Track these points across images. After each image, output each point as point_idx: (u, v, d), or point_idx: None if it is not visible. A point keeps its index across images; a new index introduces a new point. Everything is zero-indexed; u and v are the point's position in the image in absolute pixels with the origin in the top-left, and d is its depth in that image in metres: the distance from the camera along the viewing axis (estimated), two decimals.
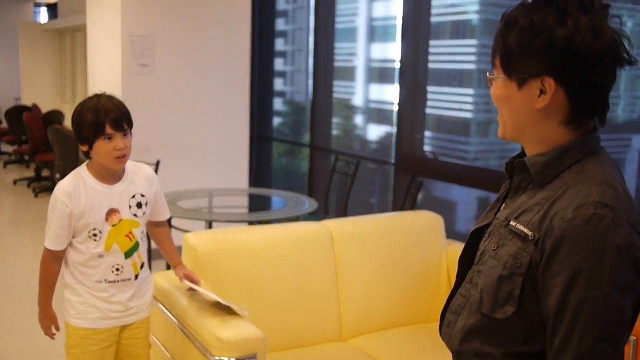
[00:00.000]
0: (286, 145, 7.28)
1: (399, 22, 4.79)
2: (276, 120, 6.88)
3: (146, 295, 2.50)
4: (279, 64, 6.99)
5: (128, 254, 2.37)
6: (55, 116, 8.77)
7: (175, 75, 5.51)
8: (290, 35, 7.61)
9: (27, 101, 10.63)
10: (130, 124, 2.31)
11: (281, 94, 7.38)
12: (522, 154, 1.29)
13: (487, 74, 1.29)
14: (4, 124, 11.11)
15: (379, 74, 6.38)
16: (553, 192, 1.18)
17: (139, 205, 2.38)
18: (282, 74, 7.43)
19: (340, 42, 6.01)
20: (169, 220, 2.83)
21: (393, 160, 4.88)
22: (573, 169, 1.19)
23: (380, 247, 3.16)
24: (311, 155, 5.86)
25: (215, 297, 2.51)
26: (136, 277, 2.41)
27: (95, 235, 2.31)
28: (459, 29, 5.20)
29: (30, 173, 9.36)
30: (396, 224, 3.34)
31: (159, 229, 2.61)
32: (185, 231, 3.27)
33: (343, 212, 4.78)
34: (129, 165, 2.39)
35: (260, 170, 6.42)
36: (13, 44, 12.16)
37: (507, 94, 1.23)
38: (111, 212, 2.32)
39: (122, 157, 2.27)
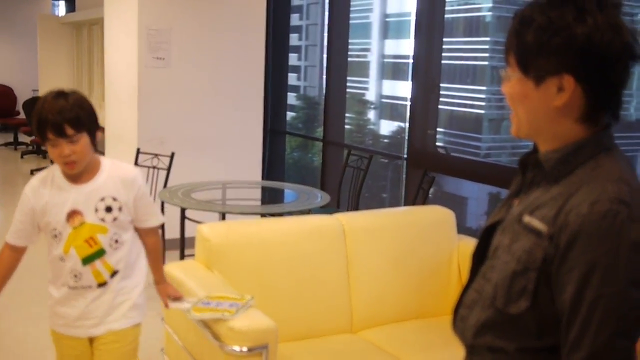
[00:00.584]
0: (299, 139, 7.33)
1: (412, 19, 4.82)
2: (289, 115, 6.92)
3: (121, 306, 2.30)
4: (293, 59, 7.03)
5: (86, 261, 2.20)
6: None
7: (191, 69, 5.56)
8: (305, 31, 7.64)
9: (44, 93, 10.72)
10: (80, 127, 2.07)
11: (295, 89, 7.42)
12: (535, 150, 1.29)
13: (501, 72, 1.28)
14: (22, 115, 11.24)
15: (392, 70, 6.41)
16: (567, 187, 1.18)
17: (108, 209, 2.19)
18: (296, 69, 7.46)
19: (354, 37, 6.03)
20: (164, 231, 2.70)
21: (405, 155, 4.91)
22: (588, 165, 1.19)
23: (392, 241, 3.19)
24: (324, 149, 5.90)
25: (203, 316, 2.45)
26: (100, 285, 2.23)
27: (56, 236, 2.20)
28: (472, 26, 5.21)
29: (46, 163, 9.47)
30: (408, 219, 3.38)
31: (145, 238, 2.39)
32: (199, 222, 3.32)
33: (355, 206, 4.82)
34: (107, 165, 2.23)
35: (273, 164, 6.47)
36: (31, 37, 12.28)
37: (524, 92, 1.23)
38: (73, 213, 2.17)
39: (71, 164, 2.11)
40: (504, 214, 1.33)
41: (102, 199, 2.19)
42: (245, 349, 2.34)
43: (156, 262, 2.48)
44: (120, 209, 2.21)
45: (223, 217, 4.20)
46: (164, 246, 4.67)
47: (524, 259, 1.20)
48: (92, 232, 2.19)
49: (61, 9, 14.27)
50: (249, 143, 5.86)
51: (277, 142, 6.56)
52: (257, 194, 5.02)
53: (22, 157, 10.45)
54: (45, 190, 2.18)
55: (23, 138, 11.22)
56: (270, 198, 4.93)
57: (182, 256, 4.39)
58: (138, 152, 4.99)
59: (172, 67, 5.47)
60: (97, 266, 2.21)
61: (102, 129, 2.20)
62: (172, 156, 4.81)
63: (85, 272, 2.21)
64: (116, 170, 2.24)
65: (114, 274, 2.25)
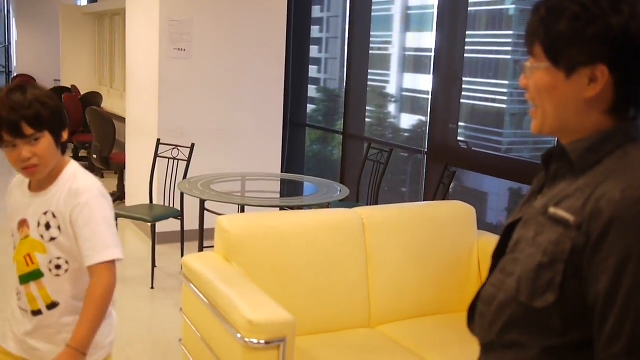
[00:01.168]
0: (318, 132, 7.31)
1: (435, 11, 4.78)
2: (309, 107, 6.91)
3: (57, 343, 1.92)
4: (313, 51, 7.00)
5: (23, 280, 1.93)
6: (93, 98, 8.91)
7: (211, 60, 5.56)
8: (325, 23, 7.62)
9: (66, 83, 10.81)
10: (40, 126, 1.80)
11: (315, 81, 7.40)
12: (559, 145, 1.26)
13: (525, 63, 1.24)
14: None
15: (414, 63, 6.36)
16: (595, 178, 1.15)
17: (47, 226, 1.87)
18: (316, 61, 7.44)
19: (376, 30, 6.00)
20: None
21: (426, 150, 4.88)
22: (615, 154, 1.16)
23: (412, 235, 3.17)
24: (344, 142, 5.88)
25: None
26: (35, 313, 1.92)
27: (14, 243, 1.97)
28: (496, 20, 5.16)
29: (68, 153, 9.49)
30: (428, 213, 3.35)
31: (91, 276, 1.87)
32: (219, 214, 3.33)
33: (374, 200, 4.80)
34: (68, 173, 1.91)
35: (293, 156, 6.47)
36: (54, 27, 12.38)
37: (553, 84, 1.19)
38: (22, 222, 1.93)
39: (32, 168, 1.83)
40: (526, 211, 1.29)
41: (45, 213, 1.88)
42: (262, 341, 2.34)
43: (82, 314, 1.85)
44: (59, 228, 1.87)
45: (242, 210, 4.20)
46: (183, 237, 4.71)
47: (550, 250, 1.15)
48: (32, 248, 1.90)
49: (83, 0, 14.34)
50: (269, 135, 5.86)
51: (297, 135, 6.56)
52: (277, 186, 5.03)
53: None
54: (17, 192, 1.98)
55: None
56: (290, 191, 4.92)
57: (201, 248, 4.40)
58: (158, 143, 5.00)
59: (193, 59, 5.48)
60: (32, 289, 1.92)
61: (67, 129, 1.91)
62: (192, 147, 4.82)
63: (22, 292, 1.95)
64: (71, 180, 1.89)
65: (52, 305, 1.91)
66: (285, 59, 5.91)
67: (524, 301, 1.20)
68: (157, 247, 4.61)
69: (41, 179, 1.89)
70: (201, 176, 4.58)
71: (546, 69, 1.20)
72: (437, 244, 3.21)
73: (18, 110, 1.76)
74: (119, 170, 6.81)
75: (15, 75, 13.08)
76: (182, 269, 2.98)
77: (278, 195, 4.80)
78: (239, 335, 2.38)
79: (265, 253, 2.92)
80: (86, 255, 1.84)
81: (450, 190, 4.24)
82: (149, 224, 4.70)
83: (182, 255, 4.72)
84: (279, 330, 2.37)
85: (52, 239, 1.87)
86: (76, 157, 8.86)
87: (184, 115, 5.50)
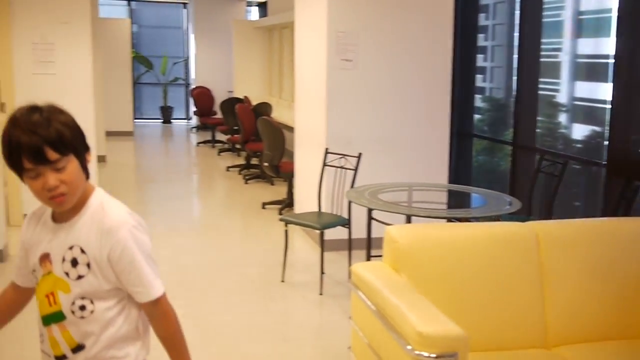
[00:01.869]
0: (484, 142, 7.14)
1: (615, 15, 4.50)
2: (475, 117, 6.77)
3: None
4: (479, 59, 6.87)
5: (45, 321, 1.71)
6: (264, 108, 9.32)
7: (378, 71, 5.62)
8: (491, 30, 7.44)
9: (239, 94, 11.41)
10: (65, 149, 1.58)
11: (480, 90, 7.24)
12: None
13: None
14: (219, 115, 12.04)
15: (587, 70, 6.04)
16: None
17: (74, 262, 1.66)
18: (481, 70, 7.28)
19: (546, 37, 5.77)
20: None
21: (604, 162, 4.59)
22: None
23: (592, 253, 3.00)
24: (514, 153, 5.69)
25: None
26: (58, 358, 1.71)
27: (36, 279, 1.76)
28: None
29: (241, 161, 10.06)
30: (609, 230, 3.15)
31: (148, 318, 1.76)
32: (385, 224, 3.34)
33: (547, 214, 4.60)
34: (94, 202, 1.69)
35: (460, 167, 6.36)
36: (227, 41, 13.13)
37: None
38: (44, 257, 1.71)
39: (60, 197, 1.60)
40: None
41: (71, 248, 1.67)
42: (433, 355, 2.31)
43: (172, 355, 1.77)
44: (88, 265, 1.66)
45: (409, 220, 4.19)
46: (350, 245, 4.79)
47: None
48: (55, 286, 1.68)
49: (254, 14, 15.08)
50: (435, 145, 5.81)
51: (464, 145, 6.45)
52: (443, 197, 4.96)
53: (219, 154, 11.19)
54: (35, 224, 1.76)
55: (220, 136, 12.02)
56: (457, 202, 4.84)
57: (369, 256, 4.45)
58: (326, 152, 5.13)
59: (359, 69, 5.57)
60: (54, 332, 1.70)
61: (89, 151, 1.69)
62: (359, 157, 4.89)
63: (45, 334, 1.73)
64: (99, 213, 1.68)
65: (77, 348, 1.70)
66: (452, 67, 5.84)
67: None
68: (324, 254, 4.72)
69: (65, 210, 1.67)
70: (368, 185, 4.63)
71: None
72: (621, 263, 3.01)
73: (38, 132, 1.54)
74: (288, 178, 7.06)
75: (193, 87, 13.99)
76: (350, 276, 3.02)
77: (445, 207, 4.74)
78: (408, 347, 2.37)
79: (434, 265, 2.88)
80: (138, 292, 1.69)
81: (636, 205, 3.95)
82: (317, 231, 4.83)
83: (350, 264, 4.80)
84: (450, 345, 2.33)
85: (80, 277, 1.65)
86: (248, 165, 9.32)
87: (351, 125, 5.60)
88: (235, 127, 10.03)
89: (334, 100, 5.55)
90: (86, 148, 1.66)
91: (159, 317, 1.74)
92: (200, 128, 13.83)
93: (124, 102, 12.84)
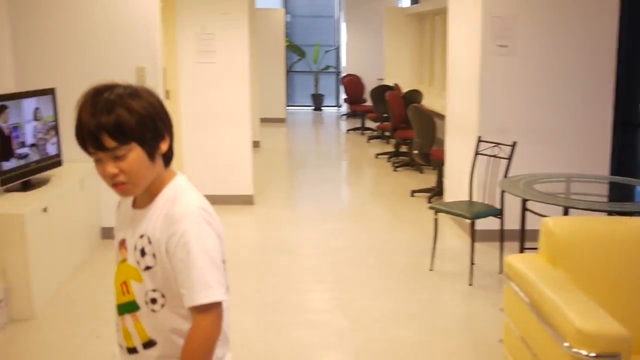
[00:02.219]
0: None
1: None
2: None
3: None
4: None
5: (119, 310, 1.64)
6: (414, 96, 9.26)
7: (535, 57, 5.39)
8: None
9: (389, 81, 11.42)
10: (123, 138, 1.47)
11: None
12: None
13: None
14: (369, 102, 12.13)
15: None
16: None
17: (142, 252, 1.56)
18: None
19: None
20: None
21: None
22: None
23: None
24: None
25: None
26: (130, 350, 1.62)
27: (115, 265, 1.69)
28: None
29: (390, 148, 10.08)
30: None
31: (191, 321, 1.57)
32: (541, 215, 3.22)
33: None
34: (170, 190, 1.59)
35: (624, 158, 5.97)
36: (378, 29, 13.17)
37: None
38: (122, 243, 1.64)
39: (120, 186, 1.52)
40: None
41: (141, 236, 1.57)
42: (593, 354, 2.21)
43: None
44: (154, 256, 1.55)
45: (566, 212, 4.00)
46: (502, 236, 4.66)
47: None
48: (128, 275, 1.60)
49: (405, 1, 14.97)
50: (595, 135, 5.50)
51: (628, 135, 6.04)
52: (604, 189, 4.69)
53: (368, 141, 11.28)
54: (122, 208, 1.70)
55: (369, 124, 12.10)
56: (618, 195, 4.55)
57: (522, 248, 4.31)
58: (479, 140, 5.01)
59: (516, 55, 5.37)
60: (127, 323, 1.62)
61: (170, 138, 1.59)
62: (513, 146, 4.73)
63: (119, 324, 1.66)
64: (170, 200, 1.57)
65: (148, 344, 1.59)
66: (617, 55, 5.47)
67: None
68: (474, 244, 4.63)
69: (143, 195, 1.60)
70: (522, 175, 4.47)
71: None
72: None
73: (98, 118, 1.45)
74: (438, 166, 6.98)
75: (344, 75, 14.18)
76: (503, 268, 2.94)
77: (606, 199, 4.48)
78: (566, 344, 2.28)
79: (594, 259, 2.75)
80: (183, 295, 1.51)
81: None
82: (468, 221, 4.74)
83: (502, 255, 4.68)
84: (612, 345, 2.22)
85: (147, 267, 1.56)
86: (397, 152, 9.32)
87: (505, 113, 5.42)
88: (385, 115, 10.05)
89: (487, 87, 5.40)
90: (157, 136, 1.53)
91: (193, 328, 1.52)
92: (350, 115, 14.00)
93: (278, 90, 13.26)
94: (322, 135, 12.90)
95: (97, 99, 1.46)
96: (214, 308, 1.51)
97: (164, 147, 1.56)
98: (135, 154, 1.49)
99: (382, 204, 7.16)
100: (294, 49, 15.18)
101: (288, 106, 14.32)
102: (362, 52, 14.16)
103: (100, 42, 5.34)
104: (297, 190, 7.90)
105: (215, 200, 6.59)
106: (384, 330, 3.86)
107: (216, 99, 6.62)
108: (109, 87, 1.49)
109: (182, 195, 1.57)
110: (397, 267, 4.95)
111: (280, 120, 13.30)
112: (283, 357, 3.55)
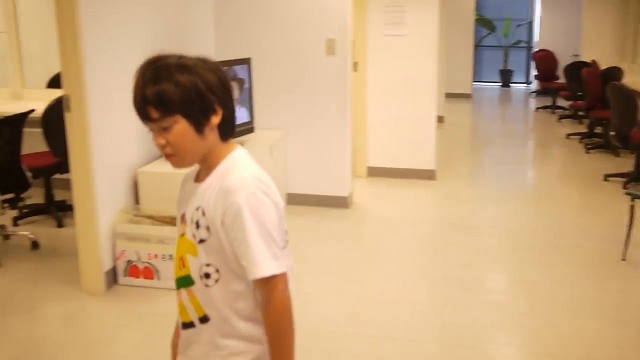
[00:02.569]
0: None
1: None
2: None
3: None
4: None
5: (179, 284, 1.63)
6: (614, 73, 8.62)
7: None
8: None
9: (586, 58, 10.70)
10: (166, 110, 1.45)
11: None
12: None
13: None
14: (562, 80, 11.48)
15: None
16: None
17: (197, 225, 1.54)
18: None
19: None
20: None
21: None
22: None
23: None
24: None
25: None
26: (186, 325, 1.62)
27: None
28: None
29: (583, 129, 9.50)
30: None
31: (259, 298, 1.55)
32: None
33: None
34: (227, 164, 1.55)
35: None
36: (577, 1, 12.34)
37: None
38: (182, 217, 1.63)
39: (170, 157, 1.52)
40: None
41: (197, 209, 1.56)
42: None
43: (272, 351, 1.54)
44: (208, 229, 1.53)
45: None
46: None
47: None
48: (185, 249, 1.59)
49: None
50: None
51: None
52: None
53: (559, 120, 10.72)
54: (186, 183, 1.69)
55: (561, 102, 11.47)
56: None
57: None
58: None
59: None
60: (183, 297, 1.61)
61: (228, 112, 1.54)
62: None
63: (178, 298, 1.66)
64: (226, 173, 1.53)
65: (204, 319, 1.58)
66: None
67: None
68: None
69: (202, 169, 1.59)
70: None
71: None
72: None
73: (144, 89, 1.45)
74: (638, 149, 6.46)
75: (536, 50, 13.52)
76: None
77: None
78: None
79: None
80: (245, 267, 1.49)
81: None
82: None
83: None
84: None
85: (202, 240, 1.54)
86: (591, 133, 8.76)
87: None
88: (580, 93, 9.46)
89: None
90: (208, 110, 1.49)
91: (264, 302, 1.52)
92: (540, 93, 13.36)
93: (465, 65, 12.96)
94: (509, 113, 12.44)
95: (147, 70, 1.46)
96: (278, 278, 1.49)
97: (215, 120, 1.51)
98: (180, 126, 1.47)
99: (571, 187, 6.77)
100: (483, 23, 14.70)
101: (475, 82, 13.94)
102: (558, 26, 13.39)
103: (293, 15, 5.53)
104: (480, 168, 7.70)
105: (396, 173, 6.62)
106: (568, 319, 3.67)
107: (403, 72, 6.60)
108: (162, 58, 1.48)
109: (237, 167, 1.54)
110: (585, 254, 4.67)
111: (467, 96, 13.00)
112: (461, 335, 3.51)
